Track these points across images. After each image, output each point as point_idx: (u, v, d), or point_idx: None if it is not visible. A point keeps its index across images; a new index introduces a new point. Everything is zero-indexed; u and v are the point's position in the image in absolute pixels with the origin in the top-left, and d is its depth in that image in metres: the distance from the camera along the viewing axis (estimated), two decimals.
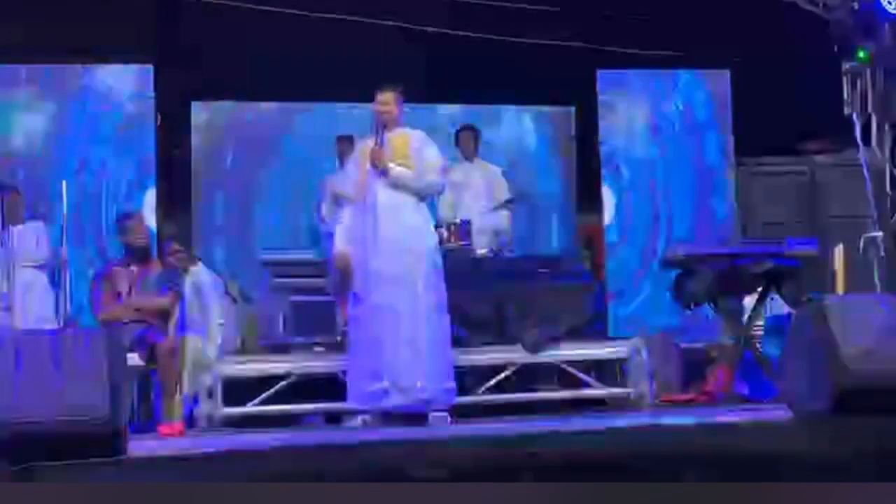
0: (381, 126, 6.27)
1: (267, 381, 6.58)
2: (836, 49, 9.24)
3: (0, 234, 7.44)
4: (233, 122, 10.08)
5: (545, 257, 7.86)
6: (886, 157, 9.17)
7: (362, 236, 6.14)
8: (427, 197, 6.44)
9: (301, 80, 9.70)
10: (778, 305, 7.70)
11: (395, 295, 6.02)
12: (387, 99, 6.30)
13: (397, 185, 6.19)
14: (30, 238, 7.87)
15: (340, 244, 6.22)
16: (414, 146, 6.29)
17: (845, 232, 8.02)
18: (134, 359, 6.14)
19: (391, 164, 6.18)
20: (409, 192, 6.21)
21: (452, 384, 6.11)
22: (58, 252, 7.50)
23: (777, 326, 7.58)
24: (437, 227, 7.76)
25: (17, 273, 7.51)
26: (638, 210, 9.74)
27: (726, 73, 9.79)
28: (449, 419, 5.92)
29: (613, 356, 7.01)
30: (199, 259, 8.18)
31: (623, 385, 6.92)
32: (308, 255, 8.77)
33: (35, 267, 7.84)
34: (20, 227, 7.81)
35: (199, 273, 7.81)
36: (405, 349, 5.95)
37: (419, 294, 6.05)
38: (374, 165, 6.19)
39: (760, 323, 7.72)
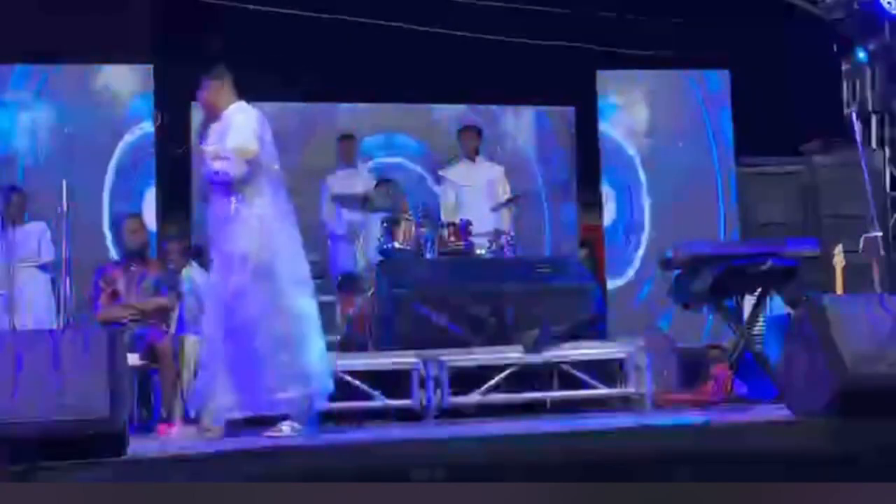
0: (203, 120, 5.95)
1: None
2: (835, 49, 9.25)
3: (1, 233, 7.44)
4: None
5: (545, 257, 7.85)
6: (886, 157, 9.18)
7: None
8: (244, 190, 5.72)
9: (301, 81, 9.70)
10: (778, 305, 7.70)
11: (214, 305, 5.73)
12: (207, 87, 5.95)
13: (217, 182, 5.75)
14: (32, 238, 7.87)
15: None
16: (224, 128, 5.81)
17: (845, 232, 8.01)
18: (134, 359, 6.13)
19: (208, 160, 5.79)
20: (229, 187, 5.69)
21: (284, 394, 5.58)
22: (59, 252, 7.50)
23: (777, 326, 7.58)
24: (438, 226, 7.82)
25: (19, 273, 7.52)
26: (637, 210, 9.74)
27: (726, 73, 9.79)
28: (287, 431, 5.59)
29: (613, 356, 7.00)
30: (196, 259, 8.18)
31: (623, 385, 6.91)
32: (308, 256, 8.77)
33: (37, 267, 7.85)
34: (23, 227, 7.82)
35: (192, 274, 7.79)
36: (222, 363, 5.62)
37: (230, 302, 5.62)
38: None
39: (760, 323, 7.72)
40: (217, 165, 5.68)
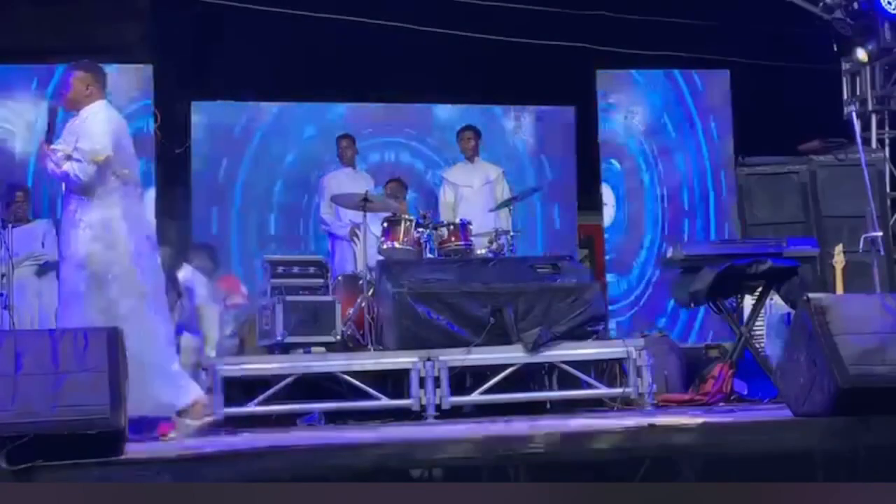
0: (56, 113, 5.63)
1: (267, 381, 6.57)
2: (836, 49, 9.25)
3: (2, 233, 7.44)
4: (233, 122, 10.08)
5: (545, 257, 7.84)
6: (886, 156, 9.18)
7: None
8: (90, 193, 5.40)
9: (301, 80, 9.71)
10: (778, 305, 7.70)
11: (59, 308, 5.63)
12: (72, 79, 5.60)
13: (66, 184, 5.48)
14: (36, 237, 7.88)
15: None
16: (79, 127, 5.48)
17: (845, 232, 8.02)
18: None
19: (49, 163, 5.47)
20: (76, 189, 5.42)
21: None
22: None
23: (777, 326, 7.57)
24: (436, 226, 7.81)
25: (23, 272, 7.52)
26: (637, 210, 9.75)
27: (726, 73, 9.80)
28: None
29: (613, 356, 7.00)
30: (203, 258, 8.18)
31: (623, 385, 6.91)
32: (308, 255, 8.78)
33: (40, 265, 7.85)
34: (27, 225, 7.83)
35: (184, 275, 7.77)
36: None
37: (62, 307, 5.48)
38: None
39: (760, 323, 7.72)
40: (66, 167, 5.40)
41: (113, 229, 5.44)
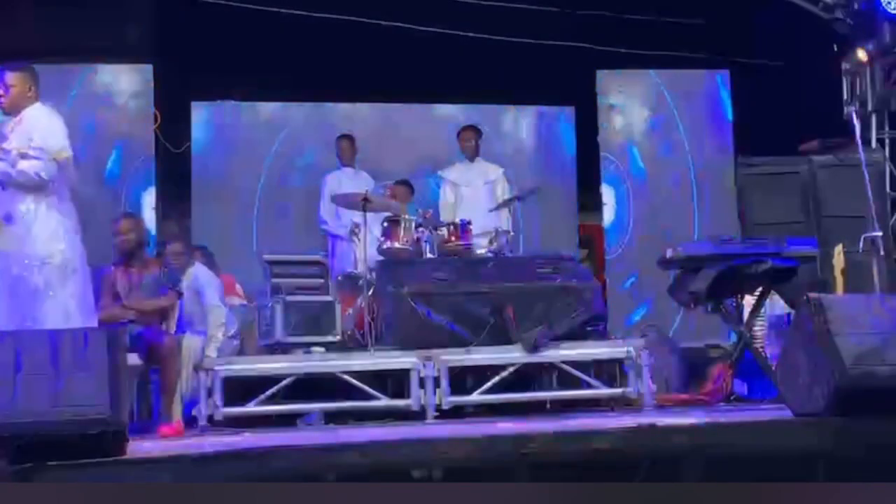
0: None
1: (267, 381, 6.57)
2: (836, 49, 9.24)
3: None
4: (233, 122, 10.08)
5: (545, 256, 7.84)
6: (886, 156, 9.18)
7: None
8: (46, 191, 5.47)
9: (301, 80, 9.72)
10: (778, 305, 7.69)
11: (9, 309, 5.49)
12: (11, 82, 5.58)
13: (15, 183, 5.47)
14: None
15: None
16: (28, 128, 5.50)
17: (845, 232, 8.01)
18: (134, 359, 6.13)
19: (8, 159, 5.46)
20: (32, 187, 5.44)
21: None
22: None
23: (777, 326, 7.57)
24: (437, 226, 7.82)
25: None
26: (637, 210, 9.75)
27: (726, 73, 9.80)
28: None
29: (613, 356, 7.00)
30: (199, 259, 8.18)
31: (623, 385, 6.91)
32: (308, 255, 8.78)
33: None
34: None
35: (196, 274, 7.79)
36: None
37: (31, 304, 5.45)
38: None
39: (760, 323, 7.71)
40: (23, 165, 5.41)
41: (67, 228, 5.55)
